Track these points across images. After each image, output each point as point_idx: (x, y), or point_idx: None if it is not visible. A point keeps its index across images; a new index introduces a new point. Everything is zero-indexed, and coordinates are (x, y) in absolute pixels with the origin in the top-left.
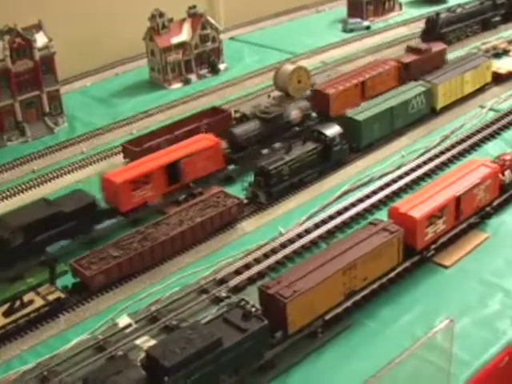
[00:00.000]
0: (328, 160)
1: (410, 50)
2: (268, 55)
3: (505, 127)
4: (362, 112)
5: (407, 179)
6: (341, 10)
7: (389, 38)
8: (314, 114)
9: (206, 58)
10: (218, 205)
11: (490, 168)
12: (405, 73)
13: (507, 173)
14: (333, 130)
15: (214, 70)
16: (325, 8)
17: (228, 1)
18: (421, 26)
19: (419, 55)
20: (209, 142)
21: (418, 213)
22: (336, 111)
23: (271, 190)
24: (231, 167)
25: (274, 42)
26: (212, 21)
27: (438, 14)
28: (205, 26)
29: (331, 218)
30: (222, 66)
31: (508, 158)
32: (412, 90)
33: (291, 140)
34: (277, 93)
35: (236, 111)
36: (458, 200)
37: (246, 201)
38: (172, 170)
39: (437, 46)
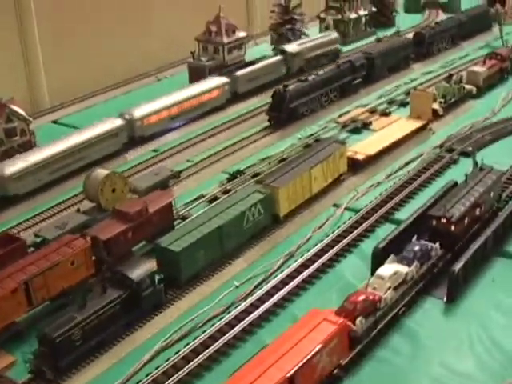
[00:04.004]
0: (137, 308)
1: (117, 214)
2: None
3: (363, 236)
4: (180, 238)
5: (238, 328)
6: (183, 77)
7: (235, 114)
8: None
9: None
10: None
11: (335, 324)
12: (104, 253)
13: (359, 320)
14: (140, 270)
15: None
16: (166, 75)
17: (53, 76)
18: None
19: (127, 223)
20: None
21: None
22: None
23: (59, 363)
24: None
25: None
26: (19, 110)
27: (285, 85)
28: (10, 117)
29: None
30: None
31: (360, 298)
32: (246, 200)
33: (85, 291)
34: (88, 204)
35: (36, 235)
36: (291, 381)
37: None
38: None
39: (159, 200)
